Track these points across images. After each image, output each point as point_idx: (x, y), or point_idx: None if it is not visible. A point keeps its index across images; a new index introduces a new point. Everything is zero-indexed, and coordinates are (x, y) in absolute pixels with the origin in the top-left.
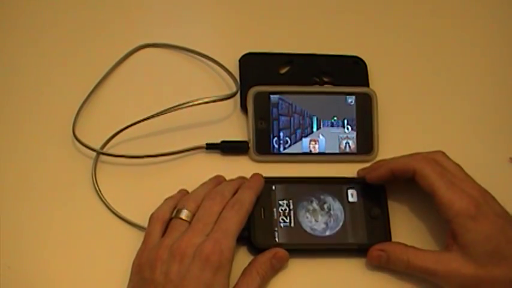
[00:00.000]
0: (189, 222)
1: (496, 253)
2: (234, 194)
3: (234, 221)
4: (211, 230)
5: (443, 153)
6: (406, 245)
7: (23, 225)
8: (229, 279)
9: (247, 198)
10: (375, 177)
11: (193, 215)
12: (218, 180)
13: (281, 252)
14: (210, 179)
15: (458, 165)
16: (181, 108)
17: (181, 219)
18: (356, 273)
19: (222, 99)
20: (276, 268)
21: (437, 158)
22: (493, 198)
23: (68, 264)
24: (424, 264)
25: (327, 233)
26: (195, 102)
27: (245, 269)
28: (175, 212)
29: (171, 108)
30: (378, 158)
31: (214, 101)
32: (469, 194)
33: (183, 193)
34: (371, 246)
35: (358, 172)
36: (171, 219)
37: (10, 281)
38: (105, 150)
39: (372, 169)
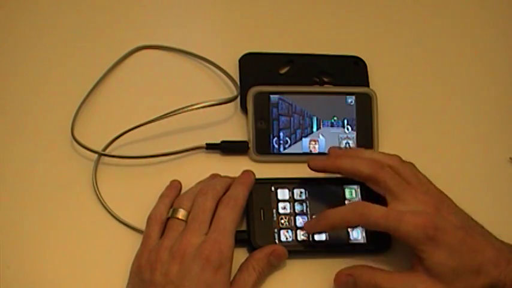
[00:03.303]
0: (186, 221)
1: (460, 266)
2: (226, 190)
3: (230, 219)
4: (209, 229)
5: (399, 158)
6: (373, 268)
7: (22, 226)
8: (230, 277)
9: (240, 193)
10: (319, 229)
11: (189, 213)
12: (214, 178)
13: (279, 249)
14: (206, 178)
15: (412, 166)
16: (181, 112)
17: (178, 218)
18: None
19: (222, 103)
20: (273, 265)
21: (389, 168)
22: (449, 204)
23: (68, 265)
24: (392, 287)
25: (327, 234)
26: (195, 107)
27: (242, 265)
28: (171, 211)
29: (171, 112)
30: None
31: (214, 105)
32: (422, 213)
33: (176, 186)
34: (370, 247)
35: (308, 163)
36: (168, 218)
37: (10, 281)
38: (105, 152)
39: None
